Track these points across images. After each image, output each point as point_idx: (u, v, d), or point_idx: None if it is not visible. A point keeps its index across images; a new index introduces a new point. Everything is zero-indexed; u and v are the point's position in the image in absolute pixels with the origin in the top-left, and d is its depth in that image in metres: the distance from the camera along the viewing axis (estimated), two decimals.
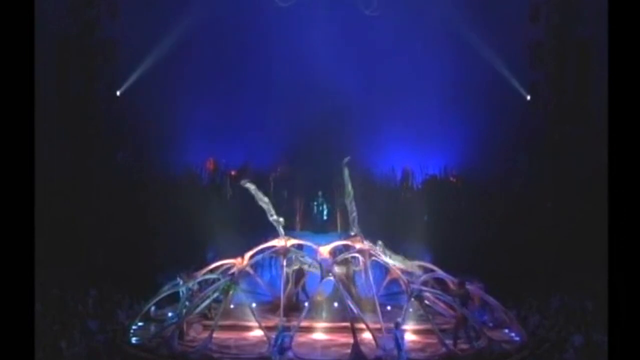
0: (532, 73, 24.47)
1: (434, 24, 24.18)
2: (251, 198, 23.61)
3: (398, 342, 15.48)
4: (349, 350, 15.64)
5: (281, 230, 19.03)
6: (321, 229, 21.18)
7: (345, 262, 18.96)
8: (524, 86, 24.53)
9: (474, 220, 23.09)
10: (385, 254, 18.44)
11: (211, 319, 17.55)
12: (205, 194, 23.73)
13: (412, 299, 17.04)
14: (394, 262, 18.42)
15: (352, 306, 16.59)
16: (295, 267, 18.78)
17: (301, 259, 18.72)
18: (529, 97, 24.57)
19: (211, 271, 18.72)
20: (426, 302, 17.79)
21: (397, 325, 15.78)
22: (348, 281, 19.11)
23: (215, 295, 17.61)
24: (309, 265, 18.64)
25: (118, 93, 24.36)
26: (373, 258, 18.48)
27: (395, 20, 24.04)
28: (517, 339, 17.25)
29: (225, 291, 17.21)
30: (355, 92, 24.26)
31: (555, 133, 24.21)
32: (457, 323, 16.85)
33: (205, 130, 24.72)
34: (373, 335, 16.00)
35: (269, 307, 18.66)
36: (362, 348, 15.66)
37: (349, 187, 19.18)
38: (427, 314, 17.27)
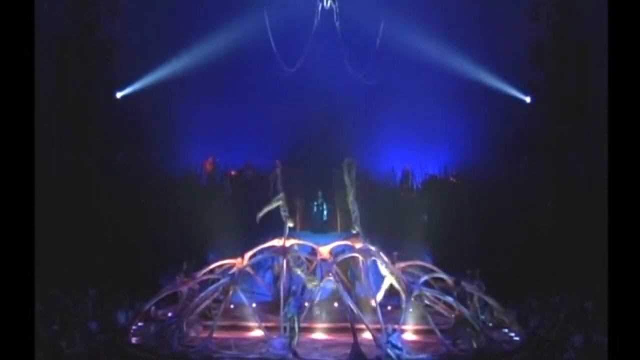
0: (532, 73, 24.47)
1: (433, 23, 24.15)
2: (251, 198, 23.75)
3: (396, 346, 15.54)
4: (349, 351, 15.64)
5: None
6: (321, 229, 21.18)
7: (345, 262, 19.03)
8: (524, 86, 24.52)
9: (474, 220, 23.08)
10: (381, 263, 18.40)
11: (211, 319, 17.54)
12: (205, 194, 23.73)
13: (412, 299, 17.06)
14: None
15: (352, 306, 16.59)
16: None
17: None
18: (529, 97, 24.58)
19: (211, 271, 18.74)
20: (426, 302, 17.83)
21: (394, 331, 15.83)
22: (348, 281, 19.18)
23: (215, 295, 17.61)
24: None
25: (118, 93, 24.37)
26: (373, 258, 18.49)
27: (395, 21, 23.99)
28: (517, 339, 17.25)
29: (225, 291, 17.21)
30: (355, 92, 24.24)
31: (555, 133, 24.21)
32: (456, 322, 16.88)
33: (205, 130, 24.72)
34: (373, 336, 16.01)
35: (269, 307, 18.67)
36: (362, 348, 15.66)
37: (350, 186, 19.14)
38: (427, 314, 17.29)
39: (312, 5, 18.90)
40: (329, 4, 18.60)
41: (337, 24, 18.86)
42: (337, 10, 18.72)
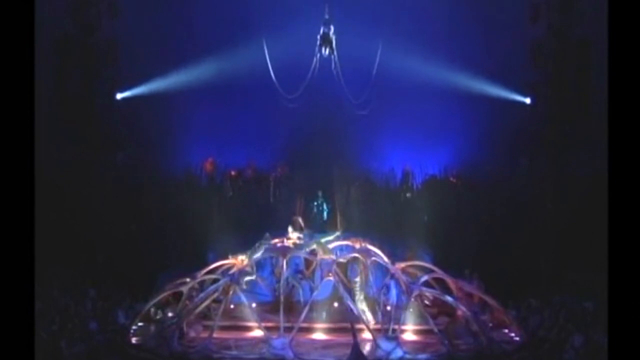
0: (532, 73, 24.47)
1: (433, 23, 24.17)
2: (251, 198, 23.78)
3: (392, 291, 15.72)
4: (349, 351, 15.64)
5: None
6: (321, 229, 21.18)
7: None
8: (524, 86, 24.52)
9: (474, 220, 23.10)
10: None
11: (211, 319, 17.54)
12: (205, 194, 23.74)
13: (412, 299, 17.07)
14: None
15: (352, 306, 16.59)
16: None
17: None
18: (529, 98, 24.58)
19: (211, 271, 18.74)
20: (426, 302, 17.83)
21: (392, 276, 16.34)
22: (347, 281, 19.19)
23: (215, 295, 17.61)
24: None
25: (118, 93, 24.38)
26: (373, 258, 18.49)
27: (394, 21, 24.01)
28: (517, 339, 17.25)
29: (225, 291, 17.21)
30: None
31: (555, 133, 24.21)
32: (455, 322, 16.92)
33: (205, 131, 24.72)
34: (373, 336, 16.02)
35: (269, 307, 18.67)
36: (362, 348, 15.66)
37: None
38: (427, 314, 17.32)
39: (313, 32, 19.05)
40: (327, 52, 18.77)
41: (335, 72, 18.98)
42: (336, 59, 18.86)
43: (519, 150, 24.51)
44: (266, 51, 19.81)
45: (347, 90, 19.56)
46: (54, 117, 23.34)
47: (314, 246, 18.61)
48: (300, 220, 19.85)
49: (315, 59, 18.88)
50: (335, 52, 18.82)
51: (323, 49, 18.76)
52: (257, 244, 18.69)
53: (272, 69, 19.74)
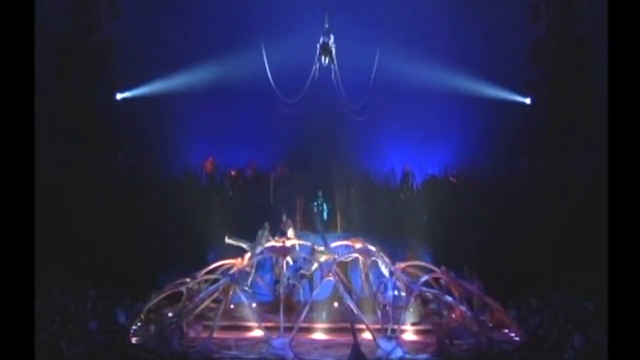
0: (532, 73, 24.47)
1: (434, 24, 24.17)
2: (251, 198, 23.79)
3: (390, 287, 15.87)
4: (349, 351, 15.65)
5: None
6: (321, 229, 21.16)
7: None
8: (524, 86, 24.52)
9: (474, 220, 23.09)
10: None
11: (211, 319, 17.54)
12: (205, 194, 23.74)
13: (412, 299, 17.07)
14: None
15: (352, 306, 16.60)
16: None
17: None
18: (528, 98, 24.58)
19: (211, 271, 18.74)
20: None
21: (392, 274, 16.50)
22: (347, 281, 19.21)
23: (215, 295, 17.62)
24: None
25: (118, 93, 24.38)
26: (373, 258, 18.51)
27: (394, 22, 24.01)
28: (517, 339, 17.26)
29: (225, 291, 17.22)
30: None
31: (556, 133, 24.21)
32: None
33: (205, 130, 24.72)
34: (373, 336, 16.02)
35: (269, 307, 18.68)
36: (362, 348, 15.67)
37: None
38: (426, 314, 17.29)
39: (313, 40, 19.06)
40: (326, 61, 18.78)
41: (335, 81, 18.98)
42: (336, 68, 18.86)
43: (519, 150, 24.51)
44: (265, 56, 19.79)
45: (346, 98, 19.55)
46: (54, 117, 23.35)
47: (320, 260, 18.63)
48: (290, 222, 19.89)
49: (314, 67, 18.87)
50: (335, 61, 18.80)
51: (323, 58, 18.74)
52: (259, 234, 18.82)
53: (272, 73, 19.70)
